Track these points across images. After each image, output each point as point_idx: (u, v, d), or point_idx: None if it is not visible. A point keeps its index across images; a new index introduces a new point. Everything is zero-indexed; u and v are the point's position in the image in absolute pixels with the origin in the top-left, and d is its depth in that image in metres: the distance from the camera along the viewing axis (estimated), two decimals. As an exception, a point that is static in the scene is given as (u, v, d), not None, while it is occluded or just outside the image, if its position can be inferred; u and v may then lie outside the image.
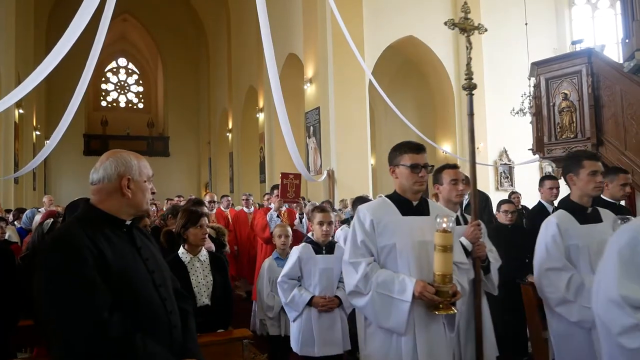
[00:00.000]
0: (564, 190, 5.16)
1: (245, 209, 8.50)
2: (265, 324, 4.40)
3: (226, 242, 4.77)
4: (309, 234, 3.74)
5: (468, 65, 3.21)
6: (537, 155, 6.53)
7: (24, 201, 15.45)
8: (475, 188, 3.10)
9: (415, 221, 2.54)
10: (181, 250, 3.25)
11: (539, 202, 4.91)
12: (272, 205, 6.43)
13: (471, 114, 3.16)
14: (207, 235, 3.40)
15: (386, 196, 2.70)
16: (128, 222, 1.87)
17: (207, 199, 7.56)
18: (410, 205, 2.59)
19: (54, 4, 20.54)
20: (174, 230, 3.41)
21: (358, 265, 2.47)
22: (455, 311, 2.38)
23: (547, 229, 2.96)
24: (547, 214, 4.78)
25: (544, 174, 11.70)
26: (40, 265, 1.65)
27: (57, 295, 1.58)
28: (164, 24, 25.03)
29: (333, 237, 4.04)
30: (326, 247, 3.64)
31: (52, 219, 4.02)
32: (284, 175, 6.50)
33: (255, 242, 7.69)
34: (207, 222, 3.33)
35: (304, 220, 6.46)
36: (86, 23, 6.94)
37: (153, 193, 1.95)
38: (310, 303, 3.49)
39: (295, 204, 6.75)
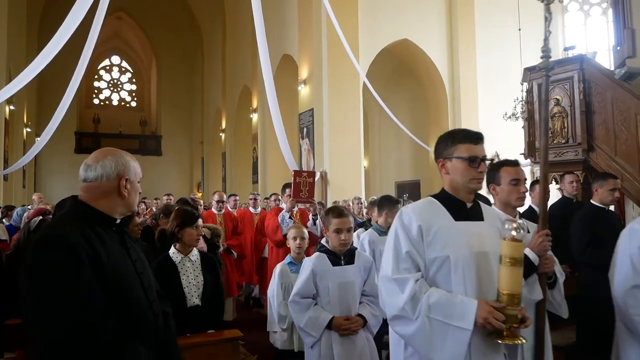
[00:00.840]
0: (553, 195, 5.21)
1: (251, 209, 8.16)
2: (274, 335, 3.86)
3: (220, 243, 4.75)
4: (323, 241, 3.19)
5: (546, 40, 2.66)
6: (528, 160, 6.57)
7: (13, 199, 15.31)
8: (546, 188, 2.68)
9: (471, 227, 2.08)
10: (172, 250, 3.24)
11: (530, 207, 4.94)
12: (284, 206, 5.94)
13: (546, 100, 2.80)
14: (200, 236, 3.38)
15: (433, 196, 2.21)
16: (117, 221, 1.85)
17: (215, 198, 7.17)
18: (463, 207, 2.13)
19: (46, 1, 20.40)
20: (166, 229, 3.40)
21: (404, 282, 1.98)
22: (524, 341, 1.93)
23: (632, 239, 2.52)
24: (536, 218, 4.81)
25: (535, 179, 11.77)
26: (31, 263, 1.59)
27: (50, 295, 1.53)
28: (159, 22, 24.94)
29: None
30: (345, 256, 3.09)
31: (40, 217, 3.99)
32: (297, 173, 6.11)
33: (262, 244, 7.40)
34: (202, 223, 3.32)
35: (317, 221, 5.94)
36: (80, 20, 6.90)
37: (140, 193, 1.96)
38: (329, 325, 2.94)
39: (308, 204, 6.22)
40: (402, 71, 15.10)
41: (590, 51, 11.21)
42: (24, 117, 18.21)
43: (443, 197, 2.15)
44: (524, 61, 10.42)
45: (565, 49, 10.44)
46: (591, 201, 4.00)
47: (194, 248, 3.32)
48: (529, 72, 6.20)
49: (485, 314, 1.85)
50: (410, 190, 13.93)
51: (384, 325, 2.83)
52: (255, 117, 17.11)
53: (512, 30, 12.47)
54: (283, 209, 5.95)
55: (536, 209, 4.85)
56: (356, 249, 3.23)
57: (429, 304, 1.93)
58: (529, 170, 13.15)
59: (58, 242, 1.60)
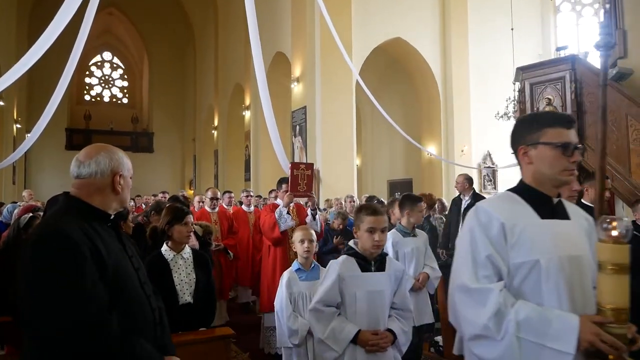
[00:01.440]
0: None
1: (244, 207, 7.78)
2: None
3: (212, 241, 4.74)
4: (351, 243, 2.82)
5: (604, 23, 2.36)
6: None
7: (3, 195, 15.18)
8: (602, 183, 2.38)
9: (560, 227, 1.74)
10: (164, 248, 3.23)
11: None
12: (280, 202, 5.51)
13: (604, 85, 2.55)
14: (192, 233, 3.37)
15: (512, 190, 1.87)
16: (112, 217, 1.86)
17: (208, 195, 6.72)
18: (549, 203, 1.79)
19: (38, -5, 20.21)
20: (158, 227, 3.38)
21: (486, 294, 1.61)
22: None
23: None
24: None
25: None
26: (29, 262, 1.55)
27: (54, 294, 1.50)
28: (151, 18, 24.79)
29: None
30: (375, 261, 2.72)
31: (30, 214, 3.95)
32: (294, 165, 5.58)
33: (261, 244, 6.75)
34: (192, 219, 3.30)
35: (317, 216, 5.55)
36: (71, 15, 6.84)
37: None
38: (354, 340, 2.58)
39: (307, 199, 5.83)
40: (394, 69, 15.13)
41: (582, 52, 11.29)
42: (14, 113, 18.04)
43: (524, 191, 1.81)
44: (516, 61, 10.48)
45: (558, 49, 10.52)
46: (582, 201, 4.02)
47: (187, 246, 3.31)
48: (521, 71, 6.24)
49: (591, 336, 1.49)
50: (402, 189, 13.93)
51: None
52: (247, 114, 17.07)
53: (505, 29, 12.53)
54: (280, 205, 5.49)
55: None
56: (387, 254, 2.86)
57: (518, 320, 1.56)
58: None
59: (58, 239, 1.57)
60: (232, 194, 8.06)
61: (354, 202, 7.84)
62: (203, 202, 7.14)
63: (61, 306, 1.49)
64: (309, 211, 5.48)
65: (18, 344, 2.57)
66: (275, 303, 3.52)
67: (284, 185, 5.53)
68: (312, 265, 3.57)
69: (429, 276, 4.14)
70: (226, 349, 2.98)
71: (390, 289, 2.71)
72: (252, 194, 7.98)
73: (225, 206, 7.41)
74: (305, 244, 3.50)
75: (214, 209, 6.67)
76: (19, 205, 6.86)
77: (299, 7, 12.45)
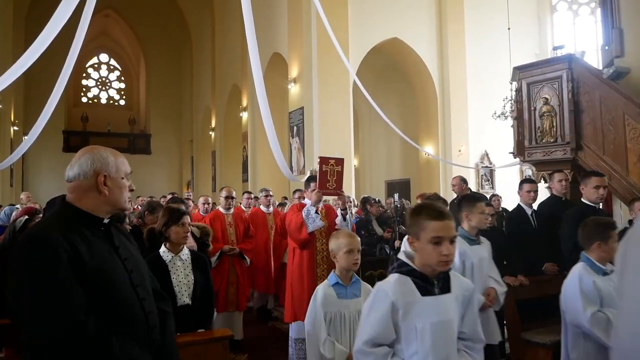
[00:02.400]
0: (542, 194, 5.25)
1: (263, 208, 7.21)
2: None
3: (210, 242, 4.69)
4: (401, 254, 2.16)
5: None
6: (517, 159, 6.61)
7: (1, 198, 15.15)
8: None
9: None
10: (162, 249, 3.22)
11: (518, 205, 4.97)
12: (308, 201, 4.96)
13: None
14: (188, 234, 3.36)
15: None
16: (105, 221, 1.82)
17: (223, 194, 6.02)
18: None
19: (34, -3, 20.17)
20: (155, 228, 3.37)
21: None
22: None
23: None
24: (525, 216, 4.85)
25: (524, 177, 11.86)
26: (14, 264, 1.62)
27: (30, 295, 1.55)
28: (147, 20, 24.77)
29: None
30: (439, 280, 2.07)
31: (25, 217, 3.95)
32: (323, 160, 4.89)
33: (282, 248, 6.46)
34: (189, 220, 3.30)
35: (348, 217, 5.00)
36: (67, 17, 6.82)
37: (131, 190, 1.90)
38: None
39: (337, 198, 5.19)
40: (392, 70, 15.14)
41: (579, 51, 11.31)
42: (11, 115, 17.99)
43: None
44: (513, 60, 10.49)
45: (554, 49, 10.55)
46: (582, 200, 4.03)
47: (185, 247, 3.30)
48: (518, 71, 6.23)
49: None
50: (400, 189, 13.94)
51: None
52: (245, 115, 17.06)
53: (502, 29, 12.54)
54: (307, 204, 4.94)
55: (524, 207, 4.88)
56: (450, 269, 2.12)
57: None
58: (518, 169, 13.27)
59: (37, 241, 1.62)
60: (252, 195, 7.80)
61: (351, 202, 7.84)
62: (209, 203, 6.81)
63: (35, 307, 1.54)
64: (338, 211, 4.95)
65: (17, 346, 2.56)
66: (306, 322, 3.01)
67: (312, 184, 5.01)
68: (353, 279, 2.98)
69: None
70: (224, 350, 2.97)
71: (458, 316, 2.10)
72: (271, 193, 7.25)
73: (243, 208, 6.98)
74: (355, 255, 2.89)
75: (228, 209, 5.97)
76: (17, 208, 6.85)
77: (295, 7, 12.45)
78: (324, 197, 5.03)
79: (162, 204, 5.24)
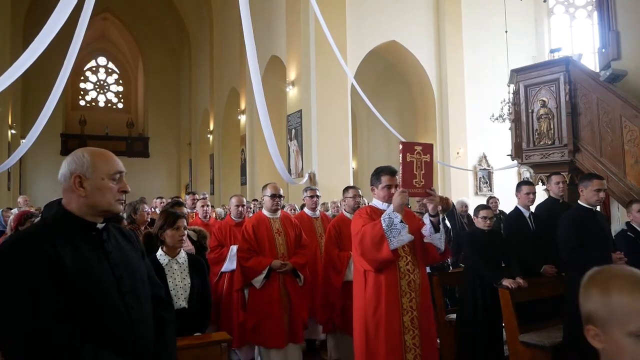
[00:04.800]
0: (540, 196, 5.25)
1: (308, 212, 5.71)
2: None
3: (207, 245, 4.67)
4: None
5: None
6: (515, 161, 6.61)
7: (-2, 201, 15.10)
8: None
9: None
10: (159, 252, 3.21)
11: (516, 207, 4.97)
12: (378, 203, 3.47)
13: None
14: (184, 237, 3.34)
15: None
16: (100, 225, 1.77)
17: (268, 192, 4.60)
18: None
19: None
20: (152, 232, 3.37)
21: None
22: None
23: None
24: (523, 219, 4.85)
25: (522, 180, 11.88)
26: None
27: (4, 301, 1.53)
28: (146, 23, 24.77)
29: None
30: None
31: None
32: (407, 148, 3.32)
33: (341, 262, 4.58)
34: (185, 223, 3.29)
35: (441, 228, 3.33)
36: (65, 20, 6.82)
37: (124, 192, 1.80)
38: None
39: (423, 199, 3.71)
40: (390, 73, 15.16)
41: (576, 53, 11.34)
42: (8, 118, 17.95)
43: None
44: (511, 63, 10.52)
45: (551, 51, 10.57)
46: (579, 202, 4.03)
47: (182, 250, 3.30)
48: (515, 73, 6.24)
49: None
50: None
51: None
52: (243, 118, 17.06)
53: (499, 32, 12.58)
54: (377, 206, 3.46)
55: (522, 209, 4.88)
56: None
57: None
58: (516, 171, 13.29)
59: (13, 249, 1.60)
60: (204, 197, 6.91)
61: (458, 207, 7.26)
62: (208, 205, 6.37)
63: (8, 314, 1.52)
64: (426, 219, 3.34)
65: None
66: None
67: (383, 177, 3.43)
68: None
69: None
70: (222, 354, 2.96)
71: None
72: (318, 193, 5.78)
73: (288, 212, 5.86)
74: None
75: (275, 211, 4.65)
76: (11, 213, 6.83)
77: (294, 10, 12.47)
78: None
79: (144, 202, 5.24)
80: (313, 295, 5.11)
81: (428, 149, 3.37)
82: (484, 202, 6.64)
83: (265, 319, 4.34)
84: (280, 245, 4.55)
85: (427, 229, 3.31)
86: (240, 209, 5.21)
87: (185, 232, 3.33)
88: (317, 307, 4.98)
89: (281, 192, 4.70)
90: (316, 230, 5.56)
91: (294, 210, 7.69)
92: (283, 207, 5.78)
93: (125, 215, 4.43)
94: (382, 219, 3.15)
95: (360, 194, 5.30)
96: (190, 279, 3.19)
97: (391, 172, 3.43)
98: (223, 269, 4.92)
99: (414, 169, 3.28)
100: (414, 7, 13.22)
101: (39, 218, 4.00)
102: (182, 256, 3.26)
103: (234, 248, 4.86)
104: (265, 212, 4.68)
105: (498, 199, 8.58)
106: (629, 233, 4.32)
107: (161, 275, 3.09)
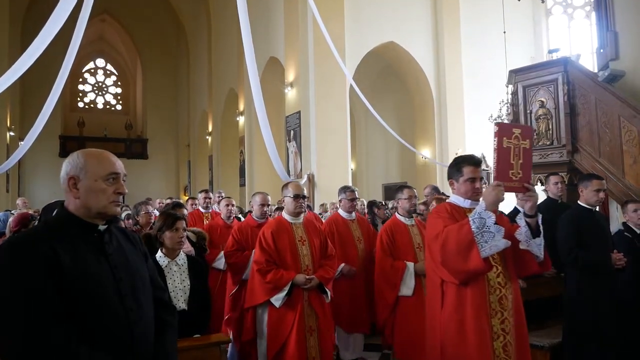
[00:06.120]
0: (538, 197, 5.25)
1: (343, 214, 4.99)
2: None
3: (206, 246, 4.65)
4: None
5: None
6: (514, 162, 6.61)
7: (-3, 203, 15.08)
8: None
9: None
10: (159, 254, 3.21)
11: (515, 208, 4.97)
12: (458, 199, 2.88)
13: None
14: (183, 239, 3.34)
15: None
16: (102, 227, 1.76)
17: (289, 192, 3.98)
18: None
19: (30, 1, 20.15)
20: (151, 233, 3.37)
21: None
22: None
23: None
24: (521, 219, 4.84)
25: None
26: None
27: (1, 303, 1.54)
28: (144, 25, 24.77)
29: None
30: None
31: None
32: (503, 131, 2.64)
33: (395, 274, 4.03)
34: (184, 225, 3.28)
35: (542, 231, 2.70)
36: (63, 22, 6.82)
37: (119, 193, 1.77)
38: None
39: (521, 196, 2.84)
40: (388, 73, 15.17)
41: (574, 54, 11.36)
42: (7, 120, 17.94)
43: None
44: (509, 63, 10.53)
45: (550, 52, 10.58)
46: (578, 202, 4.03)
47: (182, 252, 3.29)
48: (514, 74, 6.26)
49: None
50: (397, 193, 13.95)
51: None
52: (242, 119, 17.06)
53: (497, 33, 12.59)
54: (457, 204, 2.87)
55: (520, 209, 4.88)
56: None
57: None
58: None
59: (12, 249, 1.60)
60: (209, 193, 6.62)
61: None
62: (215, 202, 6.17)
63: (3, 314, 1.53)
64: (520, 220, 2.68)
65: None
66: None
67: (465, 169, 2.82)
68: None
69: None
70: (221, 355, 2.96)
71: None
72: (357, 194, 5.19)
73: (318, 212, 5.16)
74: None
75: (298, 215, 3.98)
76: (12, 214, 6.82)
77: (292, 11, 12.48)
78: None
79: (149, 203, 5.23)
80: (351, 307, 4.60)
81: (527, 132, 2.71)
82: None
83: (288, 344, 3.64)
84: (304, 256, 3.85)
85: (522, 233, 2.65)
86: (265, 208, 4.67)
87: (185, 233, 3.33)
88: (357, 321, 4.52)
89: (305, 192, 4.07)
90: (353, 234, 4.84)
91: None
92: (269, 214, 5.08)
93: (123, 217, 4.43)
94: (470, 219, 2.51)
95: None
96: (189, 281, 3.19)
97: (475, 162, 2.88)
98: (245, 277, 4.29)
99: (511, 157, 2.62)
100: (412, 8, 13.23)
101: (36, 221, 4.00)
102: (182, 258, 3.26)
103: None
104: (286, 216, 3.98)
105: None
106: (626, 233, 4.32)
107: (161, 276, 3.08)
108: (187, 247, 3.87)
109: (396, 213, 4.36)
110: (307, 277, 3.73)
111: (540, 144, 5.87)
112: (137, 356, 1.74)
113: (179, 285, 3.14)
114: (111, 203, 1.75)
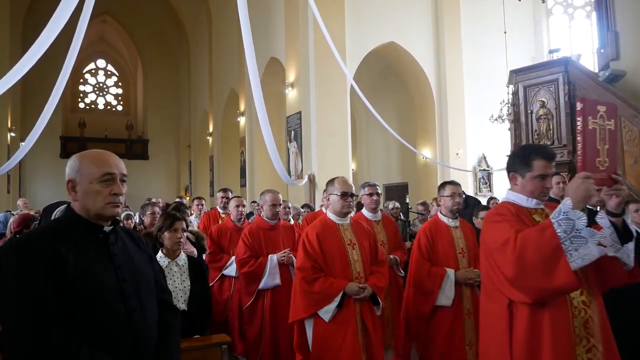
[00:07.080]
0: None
1: (367, 214, 4.54)
2: None
3: (206, 246, 4.63)
4: None
5: None
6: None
7: (-2, 204, 15.09)
8: None
9: None
10: (159, 254, 3.22)
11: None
12: (516, 196, 2.48)
13: None
14: (182, 240, 3.33)
15: None
16: (107, 228, 1.78)
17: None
18: None
19: (31, 2, 20.17)
20: (151, 233, 3.37)
21: None
22: None
23: None
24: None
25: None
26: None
27: (4, 300, 1.57)
28: (145, 25, 24.80)
29: None
30: None
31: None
32: (590, 107, 2.07)
33: (432, 281, 3.58)
34: (184, 226, 3.28)
35: (634, 232, 2.11)
36: (64, 23, 6.82)
37: (115, 194, 1.75)
38: None
39: (606, 190, 2.11)
40: (389, 74, 15.16)
41: (575, 54, 11.35)
42: (7, 121, 17.96)
43: None
44: (510, 64, 10.53)
45: (550, 52, 10.57)
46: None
47: (183, 253, 3.30)
48: (514, 74, 6.26)
49: None
50: (398, 193, 13.95)
51: None
52: (242, 120, 17.06)
53: (498, 33, 12.59)
54: (519, 203, 2.42)
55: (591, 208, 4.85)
56: None
57: None
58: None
59: (17, 250, 1.63)
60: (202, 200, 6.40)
61: None
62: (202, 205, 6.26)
63: (6, 313, 1.57)
64: (602, 219, 2.14)
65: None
66: None
67: (537, 163, 2.32)
68: None
69: None
70: (221, 355, 2.96)
71: None
72: (379, 190, 4.63)
73: (366, 214, 4.49)
74: None
75: (345, 216, 3.54)
76: (13, 214, 6.82)
77: (292, 12, 12.48)
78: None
79: (154, 204, 5.24)
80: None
81: (612, 111, 2.14)
82: (484, 203, 6.64)
83: None
84: (355, 262, 3.33)
85: (607, 236, 2.07)
86: (277, 209, 4.34)
87: (184, 234, 3.33)
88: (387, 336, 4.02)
89: (353, 189, 3.50)
90: (377, 237, 4.10)
91: (290, 210, 7.41)
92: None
93: (123, 217, 4.44)
94: (554, 220, 1.96)
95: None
96: (190, 282, 3.19)
97: (549, 155, 2.32)
98: (262, 286, 4.02)
99: (597, 142, 2.06)
100: (412, 8, 13.23)
101: (38, 222, 4.00)
102: (182, 258, 3.26)
103: (273, 258, 4.10)
104: (331, 216, 3.47)
105: (498, 200, 8.58)
106: None
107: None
108: (189, 248, 3.87)
109: (439, 212, 3.85)
110: (360, 285, 3.23)
111: (541, 143, 5.87)
112: (138, 357, 1.74)
113: (179, 286, 3.14)
114: (108, 204, 1.74)
